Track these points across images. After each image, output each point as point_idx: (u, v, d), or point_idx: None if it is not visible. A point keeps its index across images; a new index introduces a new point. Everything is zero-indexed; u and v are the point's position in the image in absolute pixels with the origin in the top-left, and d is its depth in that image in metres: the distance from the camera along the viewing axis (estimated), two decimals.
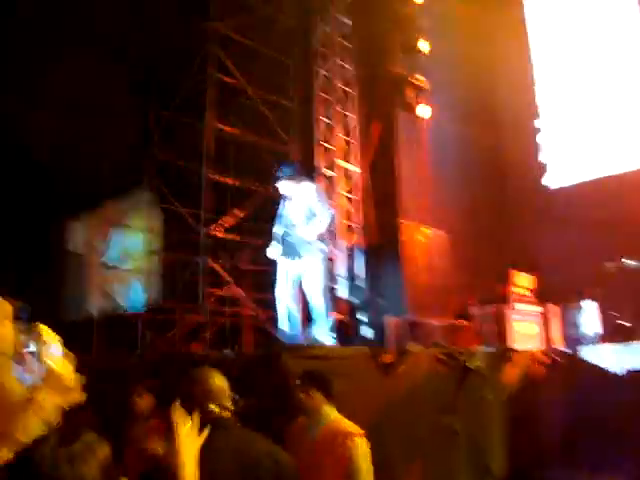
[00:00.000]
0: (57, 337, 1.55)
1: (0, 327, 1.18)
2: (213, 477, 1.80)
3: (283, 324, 5.46)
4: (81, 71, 9.90)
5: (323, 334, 5.37)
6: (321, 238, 5.51)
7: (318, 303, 5.42)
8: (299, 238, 5.42)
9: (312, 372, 3.34)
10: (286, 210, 5.65)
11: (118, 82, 10.18)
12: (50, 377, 1.45)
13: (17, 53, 9.92)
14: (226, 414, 2.17)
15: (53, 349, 1.51)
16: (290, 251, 5.48)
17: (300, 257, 5.43)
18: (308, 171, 9.70)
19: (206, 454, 1.73)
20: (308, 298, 5.49)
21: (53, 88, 10.31)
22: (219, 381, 2.29)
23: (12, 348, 1.27)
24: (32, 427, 1.31)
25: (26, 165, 11.78)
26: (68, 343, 1.61)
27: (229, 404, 2.22)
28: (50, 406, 1.38)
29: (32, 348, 1.45)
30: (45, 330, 1.53)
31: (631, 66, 10.74)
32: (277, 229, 5.68)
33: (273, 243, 5.61)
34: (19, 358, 1.41)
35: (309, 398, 3.20)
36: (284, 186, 5.60)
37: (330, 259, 9.20)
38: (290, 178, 5.59)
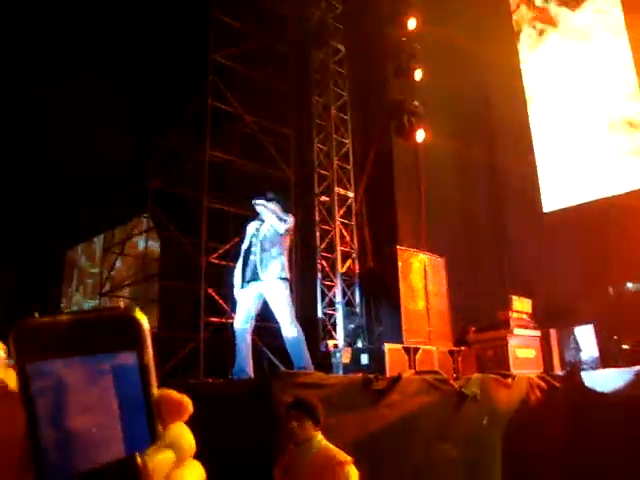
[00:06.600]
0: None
1: None
2: None
3: (239, 357, 5.30)
4: (79, 101, 10.06)
5: (302, 363, 5.19)
6: (284, 266, 5.35)
7: (289, 333, 5.24)
8: (261, 257, 5.29)
9: (302, 400, 3.31)
10: (254, 233, 5.54)
11: (118, 110, 10.31)
12: None
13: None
14: None
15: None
16: (251, 274, 5.33)
17: (261, 280, 5.29)
18: (306, 198, 9.73)
19: None
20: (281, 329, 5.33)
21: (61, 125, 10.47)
22: None
23: None
24: None
25: (29, 199, 11.92)
26: None
27: None
28: None
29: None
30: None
31: (620, 89, 10.77)
32: (244, 248, 5.56)
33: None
34: None
35: (300, 427, 3.16)
36: (263, 206, 5.53)
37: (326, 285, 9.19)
38: (272, 201, 5.56)
